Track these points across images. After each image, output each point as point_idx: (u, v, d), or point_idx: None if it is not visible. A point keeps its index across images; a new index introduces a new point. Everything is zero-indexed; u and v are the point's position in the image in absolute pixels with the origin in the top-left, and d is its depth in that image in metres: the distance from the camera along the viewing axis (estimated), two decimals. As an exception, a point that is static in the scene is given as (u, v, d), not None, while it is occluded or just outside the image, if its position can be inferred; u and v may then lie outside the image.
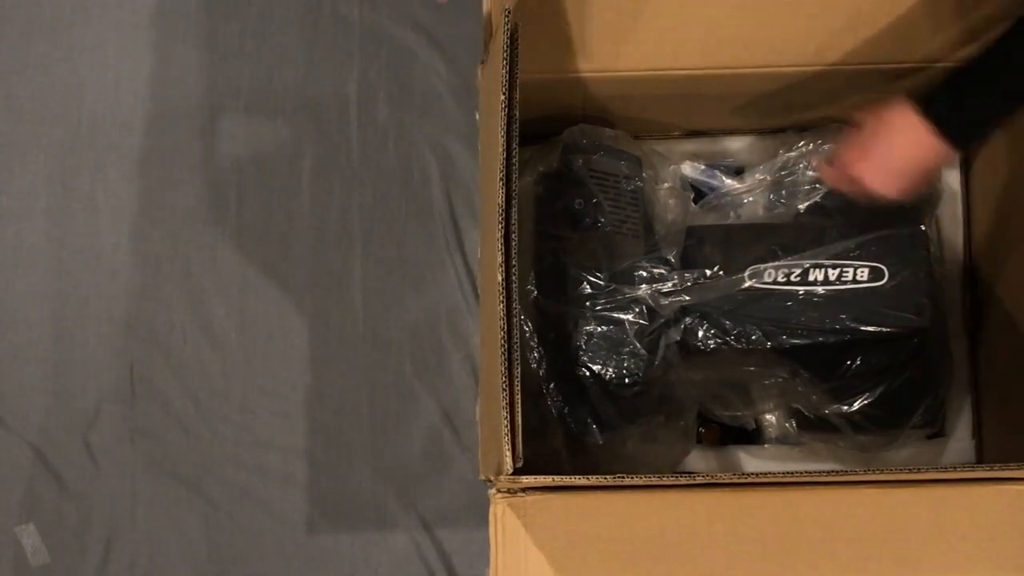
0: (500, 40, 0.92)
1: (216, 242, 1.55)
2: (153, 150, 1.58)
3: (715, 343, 1.16)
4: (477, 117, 1.34)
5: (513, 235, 0.91)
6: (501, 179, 0.91)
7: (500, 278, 0.90)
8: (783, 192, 1.21)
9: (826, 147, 1.19)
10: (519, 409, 0.88)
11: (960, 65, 1.03)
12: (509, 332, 0.89)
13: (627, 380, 1.14)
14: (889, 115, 1.04)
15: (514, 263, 0.90)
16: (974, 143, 1.08)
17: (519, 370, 0.89)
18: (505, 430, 0.87)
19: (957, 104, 1.02)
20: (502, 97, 0.91)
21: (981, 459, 1.28)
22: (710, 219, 1.22)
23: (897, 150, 1.03)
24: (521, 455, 0.88)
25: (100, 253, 1.56)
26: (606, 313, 1.15)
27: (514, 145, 0.92)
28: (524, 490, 0.94)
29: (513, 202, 0.91)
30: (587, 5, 1.12)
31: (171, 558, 1.50)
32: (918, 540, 0.94)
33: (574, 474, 0.94)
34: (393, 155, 1.57)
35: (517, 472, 0.89)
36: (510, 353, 0.89)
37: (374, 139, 1.57)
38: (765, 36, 1.13)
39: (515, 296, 0.90)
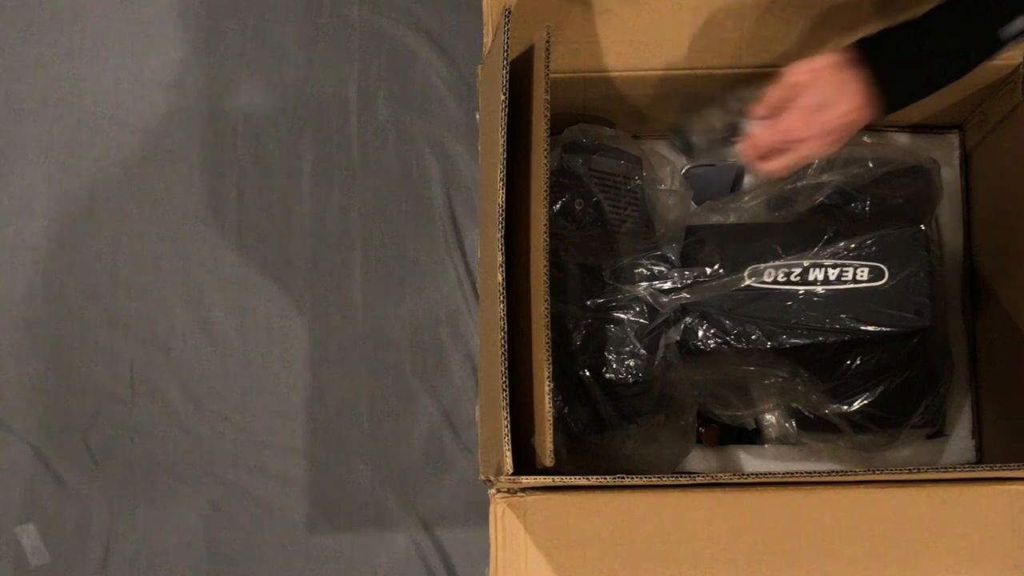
0: (500, 40, 0.92)
1: (216, 242, 1.55)
2: (153, 150, 1.57)
3: (715, 343, 1.16)
4: (477, 117, 1.34)
5: (545, 233, 0.91)
6: (501, 179, 0.91)
7: (500, 278, 0.90)
8: (784, 192, 1.21)
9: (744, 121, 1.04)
10: (550, 405, 0.88)
11: (906, 21, 0.95)
12: (509, 332, 0.89)
13: (627, 380, 1.14)
14: (823, 71, 0.94)
15: (546, 265, 0.90)
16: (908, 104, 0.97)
17: (551, 369, 0.89)
18: (505, 430, 0.87)
19: (902, 63, 0.94)
20: (502, 97, 0.91)
21: (981, 459, 1.28)
22: (711, 218, 1.21)
23: (832, 110, 0.93)
24: (552, 454, 0.88)
25: (100, 253, 1.56)
26: (606, 312, 1.15)
27: (545, 147, 0.92)
28: (524, 490, 0.94)
29: (544, 197, 0.91)
30: (587, 5, 1.12)
31: (171, 558, 1.50)
32: (918, 540, 0.94)
33: (574, 474, 0.94)
34: (393, 155, 1.57)
35: (518, 472, 0.89)
36: (509, 348, 0.89)
37: (374, 139, 1.57)
38: (765, 36, 1.13)
39: (546, 293, 0.90)
